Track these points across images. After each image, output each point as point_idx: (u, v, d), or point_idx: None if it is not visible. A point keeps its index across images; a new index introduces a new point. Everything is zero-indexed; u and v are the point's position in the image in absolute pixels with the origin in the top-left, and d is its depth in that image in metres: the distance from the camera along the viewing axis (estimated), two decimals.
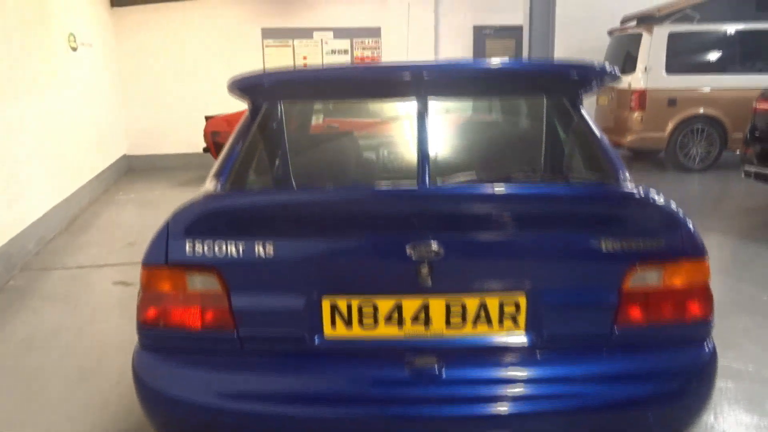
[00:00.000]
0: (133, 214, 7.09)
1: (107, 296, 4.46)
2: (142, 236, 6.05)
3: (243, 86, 2.09)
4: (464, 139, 2.47)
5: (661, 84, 8.58)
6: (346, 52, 10.42)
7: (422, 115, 1.90)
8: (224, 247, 1.77)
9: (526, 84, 2.05)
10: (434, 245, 1.71)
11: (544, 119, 2.41)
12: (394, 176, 2.11)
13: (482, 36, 10.68)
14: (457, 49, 10.51)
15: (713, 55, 8.73)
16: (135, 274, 4.93)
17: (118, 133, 9.53)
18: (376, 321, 1.79)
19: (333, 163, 2.25)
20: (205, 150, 8.45)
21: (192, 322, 1.83)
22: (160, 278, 1.83)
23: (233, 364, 1.82)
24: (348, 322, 1.79)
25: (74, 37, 7.20)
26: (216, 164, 2.14)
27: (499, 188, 1.80)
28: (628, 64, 8.98)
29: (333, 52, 10.40)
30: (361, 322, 1.79)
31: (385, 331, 1.79)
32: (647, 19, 8.91)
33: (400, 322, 1.78)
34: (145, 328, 1.89)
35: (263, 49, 10.19)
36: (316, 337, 1.80)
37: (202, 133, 8.50)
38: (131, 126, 9.86)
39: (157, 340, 1.90)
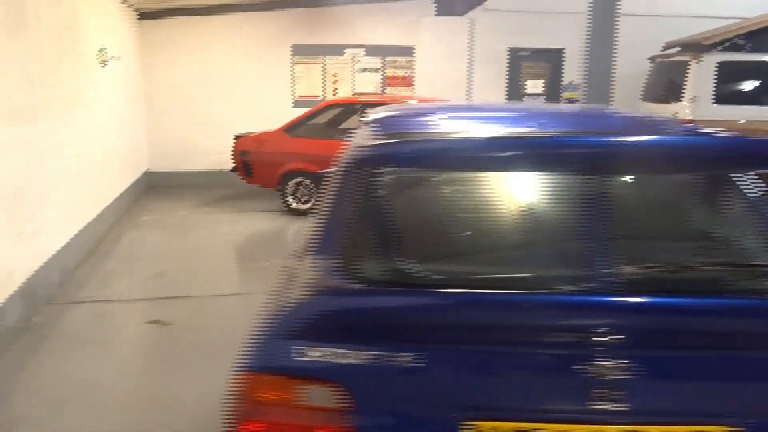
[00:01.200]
0: (159, 238, 6.75)
1: (141, 339, 4.10)
2: (170, 265, 5.83)
3: (386, 156, 1.74)
4: (633, 220, 2.05)
5: (709, 114, 8.22)
6: (377, 70, 10.11)
7: (599, 198, 1.54)
8: (349, 355, 1.43)
9: (714, 161, 1.68)
10: (620, 363, 1.37)
11: (709, 196, 2.04)
12: (557, 271, 1.72)
13: (518, 58, 10.35)
14: (491, 71, 10.18)
15: (763, 86, 8.37)
16: (168, 311, 4.73)
17: (142, 148, 9.21)
18: None
19: (471, 249, 1.88)
20: (233, 170, 8.11)
21: None
22: (265, 389, 1.49)
23: None
24: None
25: (105, 51, 6.90)
26: (317, 236, 1.77)
27: (712, 302, 1.44)
28: (672, 92, 8.64)
29: (364, 70, 10.08)
30: None
31: None
32: (694, 47, 8.57)
33: None
34: None
35: (293, 65, 9.88)
36: None
37: (229, 151, 8.17)
38: (154, 141, 9.54)
39: None
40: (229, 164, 8.25)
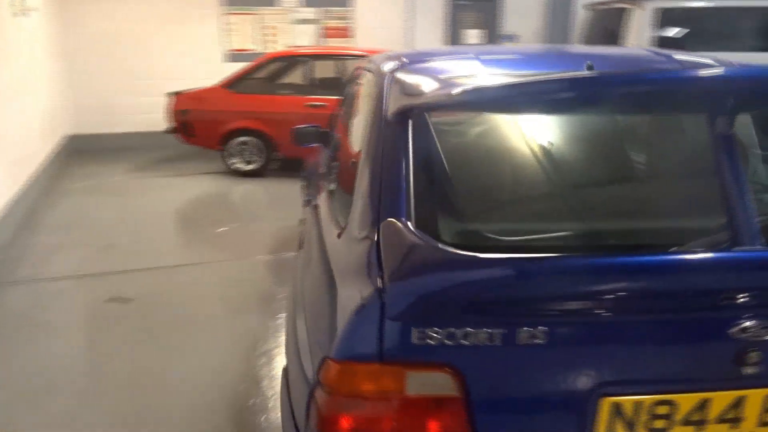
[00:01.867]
0: (98, 206, 6.21)
1: (104, 320, 3.72)
2: (117, 235, 5.36)
3: (461, 102, 1.50)
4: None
5: None
6: (315, 22, 9.64)
7: (728, 140, 1.35)
8: (468, 335, 1.21)
9: None
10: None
11: None
12: (684, 223, 1.54)
13: (456, 8, 10.11)
14: (431, 21, 9.92)
15: (708, 33, 8.50)
16: (126, 286, 4.33)
17: (64, 110, 8.45)
18: (670, 425, 1.29)
19: (560, 204, 1.66)
20: (171, 130, 7.56)
21: None
22: (364, 378, 1.26)
23: None
24: (630, 428, 1.28)
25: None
26: (382, 201, 1.52)
27: None
28: (610, 42, 8.65)
29: (301, 21, 9.59)
30: (648, 426, 1.28)
31: None
32: None
33: (701, 423, 1.30)
34: None
35: (224, 17, 9.26)
36: None
37: (161, 110, 7.62)
38: (79, 101, 8.77)
39: None
40: (162, 124, 7.69)
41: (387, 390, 1.24)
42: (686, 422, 1.29)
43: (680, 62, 2.03)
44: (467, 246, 1.29)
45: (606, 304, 1.25)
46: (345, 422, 1.28)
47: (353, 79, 3.14)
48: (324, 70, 7.46)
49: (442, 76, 1.91)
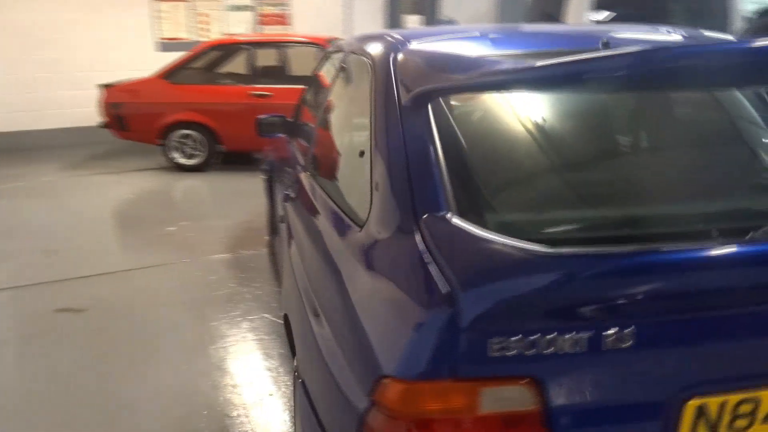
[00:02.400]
0: (31, 209, 5.79)
1: (57, 333, 3.43)
2: (58, 239, 4.98)
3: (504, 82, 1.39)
4: None
5: None
6: (251, 8, 9.31)
7: None
8: (550, 342, 1.10)
9: None
10: None
11: None
12: (753, 205, 1.48)
13: None
14: (371, 6, 9.77)
15: (637, 17, 8.67)
16: (76, 295, 4.01)
17: None
18: (751, 423, 1.22)
19: (612, 190, 1.55)
20: (104, 125, 7.14)
21: None
22: (432, 398, 1.13)
23: None
24: (713, 430, 1.21)
25: None
26: (419, 192, 1.39)
27: None
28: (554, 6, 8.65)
29: (235, 8, 9.25)
30: (731, 426, 1.22)
31: None
32: None
33: None
34: None
35: (153, 3, 8.81)
36: None
37: (92, 104, 7.18)
38: (0, 98, 8.19)
39: None
40: (94, 118, 7.26)
41: (458, 409, 1.12)
42: (766, 420, 1.23)
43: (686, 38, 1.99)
44: (530, 239, 1.18)
45: (697, 299, 1.16)
46: None
47: (327, 64, 2.99)
48: (267, 58, 7.20)
49: (453, 57, 1.79)
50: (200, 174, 7.07)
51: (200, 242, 4.79)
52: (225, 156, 7.27)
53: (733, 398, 1.19)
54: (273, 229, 4.21)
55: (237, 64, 7.19)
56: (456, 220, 1.30)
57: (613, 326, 1.11)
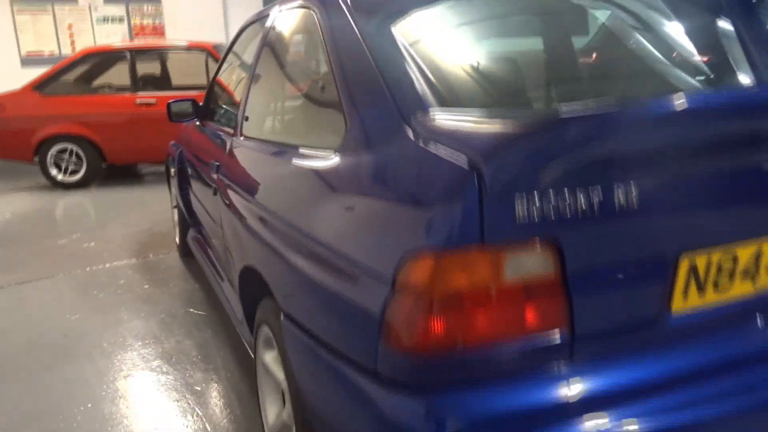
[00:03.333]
0: None
1: None
2: None
3: None
4: None
5: None
6: (122, 20, 8.89)
7: None
8: (567, 204, 1.11)
9: None
10: None
11: None
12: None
13: None
14: (247, 11, 9.64)
15: None
16: None
17: None
18: (731, 278, 1.30)
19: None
20: None
21: (504, 331, 1.15)
22: (464, 268, 1.11)
23: (559, 381, 1.18)
24: (701, 287, 1.27)
25: None
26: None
27: None
28: None
29: (106, 20, 8.80)
30: (716, 282, 1.29)
31: (739, 290, 1.32)
32: None
33: (755, 274, 1.32)
34: (424, 356, 1.14)
35: (14, 16, 8.20)
36: (663, 317, 1.26)
37: None
38: None
39: (446, 370, 1.16)
40: None
41: (484, 280, 1.11)
42: (745, 274, 1.30)
43: None
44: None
45: (683, 155, 1.20)
46: (437, 326, 1.12)
47: (246, 34, 2.92)
48: (149, 65, 6.90)
49: None
50: (84, 190, 6.62)
51: (100, 251, 4.47)
52: (108, 171, 6.87)
53: (715, 254, 1.26)
54: (184, 227, 4.02)
55: (117, 72, 6.83)
56: (447, 111, 1.33)
57: (621, 187, 1.14)
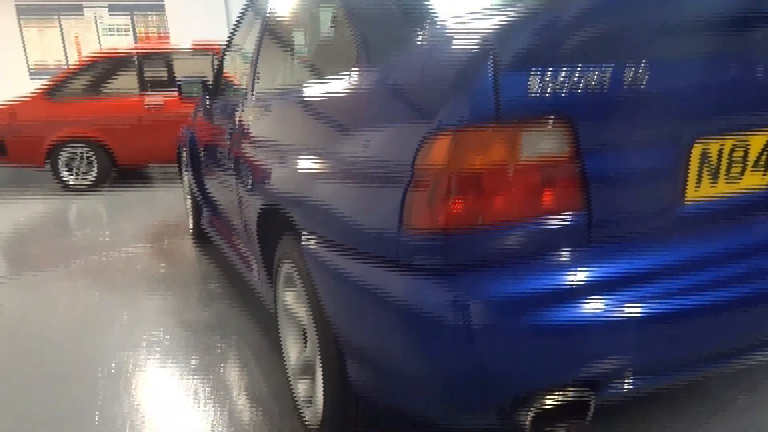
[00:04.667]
0: None
1: None
2: None
3: None
4: None
5: None
6: (127, 30, 9.03)
7: None
8: (580, 81, 1.14)
9: None
10: None
11: None
12: None
13: None
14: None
15: None
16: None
17: None
18: (743, 169, 1.33)
19: None
20: None
21: (523, 211, 1.18)
22: (481, 146, 1.14)
23: (578, 265, 1.21)
24: (715, 175, 1.30)
25: None
26: None
27: None
28: None
29: (111, 30, 8.94)
30: (728, 171, 1.31)
31: (749, 182, 1.34)
32: None
33: (766, 165, 1.35)
34: (444, 236, 1.17)
35: (21, 29, 8.35)
36: (677, 204, 1.29)
37: None
38: None
39: (466, 251, 1.18)
40: None
41: (501, 158, 1.14)
42: (755, 165, 1.33)
43: None
44: None
45: (698, 37, 1.22)
46: (456, 205, 1.15)
47: (248, 15, 3.00)
48: (156, 69, 7.01)
49: None
50: (95, 193, 6.70)
51: (115, 242, 4.53)
52: (118, 174, 6.95)
53: (728, 142, 1.29)
54: (197, 212, 4.09)
55: (125, 76, 6.93)
56: (455, 17, 1.37)
57: (633, 65, 1.16)
